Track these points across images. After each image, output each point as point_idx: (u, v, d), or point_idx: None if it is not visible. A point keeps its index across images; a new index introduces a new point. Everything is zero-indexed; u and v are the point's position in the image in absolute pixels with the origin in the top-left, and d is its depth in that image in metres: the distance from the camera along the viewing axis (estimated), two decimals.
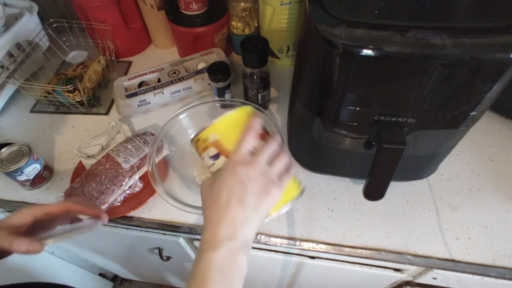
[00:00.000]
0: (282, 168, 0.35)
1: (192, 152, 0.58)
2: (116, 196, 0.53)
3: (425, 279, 0.58)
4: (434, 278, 0.56)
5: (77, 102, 0.67)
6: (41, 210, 0.39)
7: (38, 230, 0.40)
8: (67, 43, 0.77)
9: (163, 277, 1.10)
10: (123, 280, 1.32)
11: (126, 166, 0.53)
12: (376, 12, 0.34)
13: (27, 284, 0.56)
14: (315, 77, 0.39)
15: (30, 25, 0.71)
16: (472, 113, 0.38)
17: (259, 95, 0.62)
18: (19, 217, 0.38)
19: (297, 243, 0.51)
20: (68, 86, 0.63)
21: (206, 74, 0.66)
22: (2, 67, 0.66)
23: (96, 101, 0.71)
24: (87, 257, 0.97)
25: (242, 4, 0.65)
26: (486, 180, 0.55)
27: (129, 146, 0.56)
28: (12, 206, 0.58)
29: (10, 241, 0.36)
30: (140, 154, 0.55)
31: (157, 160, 0.53)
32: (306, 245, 0.50)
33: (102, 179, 0.53)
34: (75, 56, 0.78)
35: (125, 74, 0.77)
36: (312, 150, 0.52)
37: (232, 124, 0.37)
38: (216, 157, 0.36)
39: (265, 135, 0.37)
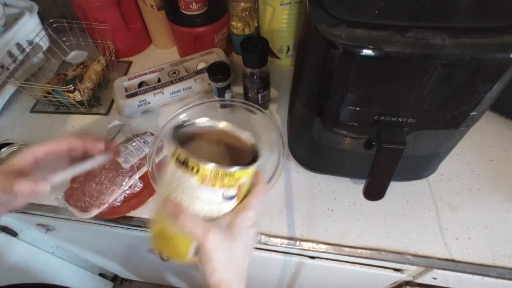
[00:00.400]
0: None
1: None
2: (116, 196, 0.53)
3: (425, 279, 0.58)
4: (434, 278, 0.56)
5: (77, 102, 0.67)
6: (42, 148, 0.36)
7: (43, 173, 0.36)
8: (67, 43, 0.77)
9: (163, 277, 1.10)
10: (123, 280, 1.32)
11: (126, 166, 0.53)
12: (376, 12, 0.34)
13: (28, 285, 0.56)
14: (315, 77, 0.39)
15: (30, 25, 0.71)
16: (472, 113, 0.38)
17: (259, 95, 0.62)
18: (19, 158, 0.35)
19: (297, 243, 0.51)
20: (68, 86, 0.63)
21: (206, 74, 0.66)
22: (2, 67, 0.66)
23: (96, 101, 0.71)
24: (87, 257, 0.98)
25: (242, 4, 0.65)
26: (486, 180, 0.55)
27: (129, 146, 0.56)
28: None
29: (11, 184, 0.32)
30: (140, 154, 0.55)
31: (157, 160, 0.53)
32: (306, 245, 0.50)
33: (102, 179, 0.53)
34: (75, 56, 0.78)
35: (125, 74, 0.77)
36: (312, 150, 0.52)
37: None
38: (229, 198, 0.33)
39: None
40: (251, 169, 0.33)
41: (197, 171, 0.30)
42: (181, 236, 0.32)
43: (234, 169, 0.31)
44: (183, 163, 0.30)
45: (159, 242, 0.35)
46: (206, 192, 0.31)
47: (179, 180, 0.31)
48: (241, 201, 0.34)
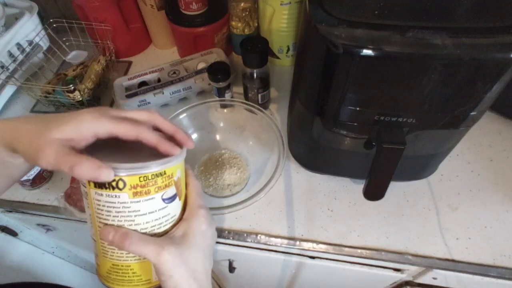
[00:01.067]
0: None
1: (192, 152, 0.58)
2: None
3: (425, 279, 0.58)
4: (434, 278, 0.56)
5: (77, 102, 0.67)
6: (105, 130, 0.28)
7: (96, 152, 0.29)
8: (67, 43, 0.77)
9: None
10: None
11: None
12: (376, 12, 0.34)
13: (29, 284, 0.56)
14: (315, 77, 0.39)
15: (30, 25, 0.70)
16: (472, 113, 0.38)
17: (259, 95, 0.62)
18: (76, 131, 0.27)
19: (297, 243, 0.51)
20: (68, 86, 0.63)
21: (206, 74, 0.66)
22: (2, 67, 0.66)
23: (96, 101, 0.71)
24: (87, 257, 0.97)
25: (242, 4, 0.65)
26: (486, 180, 0.55)
27: None
28: (12, 206, 0.58)
29: (71, 162, 0.25)
30: None
31: None
32: (306, 245, 0.50)
33: None
34: (75, 56, 0.78)
35: (125, 74, 0.77)
36: (312, 150, 0.52)
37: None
38: (171, 199, 0.30)
39: None
40: (181, 160, 0.31)
41: (124, 184, 0.27)
42: (137, 262, 0.30)
43: (166, 165, 0.28)
44: (104, 185, 0.27)
45: (116, 280, 0.31)
46: (143, 203, 0.28)
47: (107, 204, 0.28)
48: (185, 198, 0.32)
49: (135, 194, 0.27)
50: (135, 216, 0.28)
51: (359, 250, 0.50)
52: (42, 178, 0.58)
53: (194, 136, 0.60)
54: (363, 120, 0.41)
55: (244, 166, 0.58)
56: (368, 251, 0.49)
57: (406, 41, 0.32)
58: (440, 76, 0.33)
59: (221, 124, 0.62)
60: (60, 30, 0.76)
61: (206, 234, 0.32)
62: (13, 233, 0.77)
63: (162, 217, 0.30)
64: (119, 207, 0.27)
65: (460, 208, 0.53)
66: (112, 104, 0.70)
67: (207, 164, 0.58)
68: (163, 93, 0.65)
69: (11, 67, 0.67)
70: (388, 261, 0.49)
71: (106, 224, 0.28)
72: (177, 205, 0.31)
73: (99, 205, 0.28)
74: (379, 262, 0.53)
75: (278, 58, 0.74)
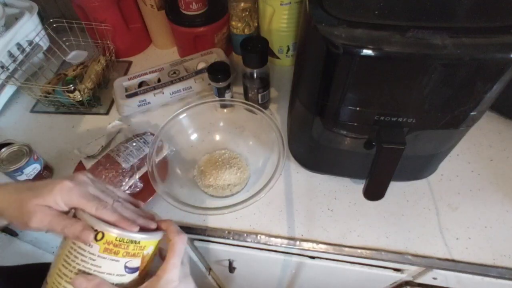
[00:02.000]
0: None
1: (192, 152, 0.58)
2: None
3: (425, 279, 0.58)
4: (434, 278, 0.56)
5: (77, 102, 0.67)
6: (77, 204, 0.32)
7: None
8: (67, 43, 0.77)
9: None
10: None
11: (126, 166, 0.53)
12: (376, 12, 0.34)
13: (37, 265, 0.57)
14: (315, 77, 0.39)
15: (30, 25, 0.70)
16: (472, 113, 0.38)
17: (259, 95, 0.62)
18: (52, 201, 0.31)
19: (297, 243, 0.51)
20: (68, 86, 0.63)
21: (206, 74, 0.66)
22: (2, 67, 0.66)
23: (96, 101, 0.71)
24: None
25: (242, 4, 0.65)
26: (486, 180, 0.55)
27: (129, 146, 0.56)
28: None
29: (62, 225, 0.30)
30: (140, 154, 0.55)
31: (157, 160, 0.53)
32: (306, 245, 0.50)
33: (102, 179, 0.52)
34: (75, 56, 0.78)
35: (125, 74, 0.77)
36: (312, 150, 0.52)
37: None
38: (132, 270, 0.31)
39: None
40: (157, 238, 0.33)
41: (102, 237, 0.29)
42: None
43: (142, 236, 0.31)
44: None
45: None
46: (107, 262, 0.29)
47: (79, 250, 0.29)
48: (142, 275, 0.32)
49: (105, 250, 0.29)
50: (94, 270, 0.29)
51: (359, 250, 0.50)
52: (42, 178, 0.58)
53: (194, 136, 0.60)
54: (363, 120, 0.41)
55: (244, 166, 0.58)
56: (368, 251, 0.49)
57: (406, 41, 0.32)
58: (440, 76, 0.33)
59: (221, 124, 0.62)
60: (60, 30, 0.76)
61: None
62: (13, 233, 0.77)
63: (116, 283, 0.30)
64: (86, 256, 0.29)
65: (460, 208, 0.53)
66: (112, 104, 0.70)
67: (207, 164, 0.58)
68: (163, 93, 0.65)
69: (11, 67, 0.67)
70: (388, 261, 0.49)
71: (66, 268, 0.30)
72: (133, 279, 0.32)
73: (72, 247, 0.30)
74: (379, 262, 0.53)
75: (278, 58, 0.74)
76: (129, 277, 0.31)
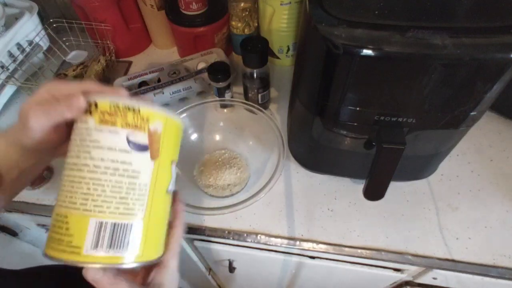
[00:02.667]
0: None
1: (192, 152, 0.58)
2: None
3: (425, 279, 0.58)
4: (434, 278, 0.56)
5: None
6: (57, 89, 0.30)
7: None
8: (67, 43, 0.77)
9: None
10: None
11: None
12: (376, 12, 0.34)
13: (40, 268, 0.57)
14: (315, 77, 0.39)
15: (30, 25, 0.70)
16: (472, 113, 0.38)
17: (259, 95, 0.62)
18: (39, 95, 0.29)
19: (297, 243, 0.51)
20: None
21: (206, 74, 0.66)
22: (2, 67, 0.66)
23: None
24: None
25: (242, 4, 0.65)
26: (486, 180, 0.55)
27: None
28: (12, 206, 0.58)
29: (53, 106, 0.27)
30: None
31: None
32: (306, 245, 0.50)
33: None
34: (75, 56, 0.78)
35: (125, 74, 0.77)
36: (312, 150, 0.52)
37: (179, 133, 0.31)
38: (139, 148, 0.26)
39: None
40: (164, 112, 0.28)
41: (96, 108, 0.26)
42: (75, 211, 0.26)
43: (141, 103, 0.27)
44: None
45: (49, 239, 0.27)
46: (105, 135, 0.26)
47: (78, 132, 0.27)
48: (160, 170, 0.27)
49: (101, 121, 0.26)
50: (92, 147, 0.26)
51: (359, 250, 0.50)
52: (42, 178, 0.58)
53: (194, 136, 0.60)
54: (363, 120, 0.41)
55: (244, 166, 0.58)
56: (368, 251, 0.49)
57: (406, 41, 0.32)
58: (440, 76, 0.33)
59: (221, 124, 0.62)
60: (60, 30, 0.76)
61: (175, 282, 0.31)
62: (13, 233, 0.77)
63: (121, 163, 0.26)
64: (83, 134, 0.26)
65: (460, 208, 0.53)
66: None
67: (207, 164, 0.58)
68: (163, 93, 0.65)
69: (11, 67, 0.67)
70: (388, 261, 0.49)
71: (69, 158, 0.27)
72: (146, 163, 0.26)
73: (72, 139, 0.27)
74: (379, 262, 0.53)
75: (278, 58, 0.74)
76: (137, 157, 0.26)
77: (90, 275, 0.25)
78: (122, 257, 0.25)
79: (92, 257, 0.24)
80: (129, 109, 0.26)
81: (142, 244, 0.26)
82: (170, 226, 0.32)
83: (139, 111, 0.26)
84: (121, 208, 0.25)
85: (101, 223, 0.25)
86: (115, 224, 0.25)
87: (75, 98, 0.26)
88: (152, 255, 0.28)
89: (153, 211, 0.27)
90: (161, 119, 0.28)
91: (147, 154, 0.26)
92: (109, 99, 0.26)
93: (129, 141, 0.26)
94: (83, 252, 0.24)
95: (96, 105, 0.26)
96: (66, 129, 0.30)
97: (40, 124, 0.27)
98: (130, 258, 0.26)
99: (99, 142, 0.26)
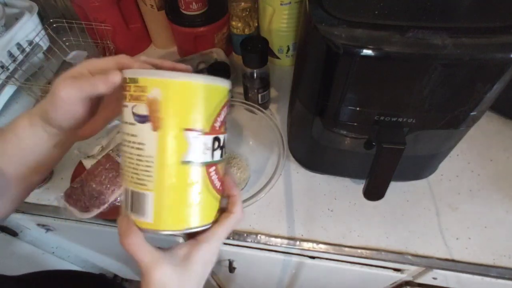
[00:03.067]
0: None
1: None
2: (116, 196, 0.53)
3: (425, 279, 0.58)
4: (434, 278, 0.56)
5: None
6: (93, 65, 0.30)
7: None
8: (67, 43, 0.77)
9: None
10: (123, 280, 1.32)
11: None
12: (376, 12, 0.34)
13: (40, 273, 0.57)
14: (315, 77, 0.39)
15: (30, 25, 0.70)
16: (472, 113, 0.38)
17: (259, 95, 0.62)
18: (75, 70, 0.30)
19: (297, 243, 0.51)
20: None
21: (206, 74, 0.66)
22: (2, 67, 0.66)
23: None
24: (87, 257, 0.97)
25: (242, 4, 0.65)
26: (486, 180, 0.55)
27: None
28: None
29: (90, 80, 0.28)
30: None
31: None
32: (306, 245, 0.50)
33: (102, 179, 0.52)
34: (75, 56, 0.78)
35: None
36: (312, 150, 0.52)
37: (195, 97, 0.27)
38: (141, 119, 0.26)
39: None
40: (162, 78, 0.26)
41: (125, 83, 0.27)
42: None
43: (137, 71, 0.26)
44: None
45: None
46: (123, 109, 0.27)
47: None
48: (166, 140, 0.26)
49: (121, 97, 0.27)
50: (122, 122, 0.28)
51: (359, 250, 0.50)
52: None
53: None
54: (363, 120, 0.41)
55: (244, 166, 0.58)
56: (368, 251, 0.49)
57: (406, 41, 0.32)
58: (440, 76, 0.33)
59: None
60: (60, 30, 0.76)
61: (209, 264, 0.30)
62: (13, 233, 0.77)
63: (131, 136, 0.26)
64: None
65: (460, 208, 0.53)
66: None
67: None
68: None
69: (11, 67, 0.67)
70: (388, 261, 0.49)
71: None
72: (148, 135, 0.26)
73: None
74: (379, 262, 0.53)
75: (278, 58, 0.74)
76: (141, 129, 0.26)
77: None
78: (140, 222, 0.27)
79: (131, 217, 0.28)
80: (132, 80, 0.26)
81: (155, 214, 0.27)
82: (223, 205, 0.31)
83: (138, 81, 0.26)
84: (135, 178, 0.27)
85: (126, 189, 0.28)
86: (132, 191, 0.27)
87: (112, 73, 0.27)
88: (167, 226, 0.27)
89: (165, 183, 0.27)
90: (158, 85, 0.26)
91: (148, 125, 0.26)
92: (125, 73, 0.27)
93: (133, 114, 0.26)
94: (128, 212, 0.28)
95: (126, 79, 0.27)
96: (91, 108, 0.31)
97: (70, 94, 0.28)
98: (145, 225, 0.27)
99: (122, 118, 0.27)
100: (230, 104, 0.27)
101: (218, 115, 0.28)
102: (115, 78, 0.27)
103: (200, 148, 0.27)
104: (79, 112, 0.30)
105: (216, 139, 0.28)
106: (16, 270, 0.78)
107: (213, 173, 0.28)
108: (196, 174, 0.27)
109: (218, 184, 0.29)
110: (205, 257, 0.29)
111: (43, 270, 0.58)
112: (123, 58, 0.30)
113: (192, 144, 0.27)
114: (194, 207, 0.28)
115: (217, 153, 0.28)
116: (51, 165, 0.35)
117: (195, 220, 0.28)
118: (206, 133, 0.27)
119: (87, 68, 0.30)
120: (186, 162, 0.27)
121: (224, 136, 0.29)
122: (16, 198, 0.34)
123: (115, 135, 0.64)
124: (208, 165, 0.28)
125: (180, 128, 0.26)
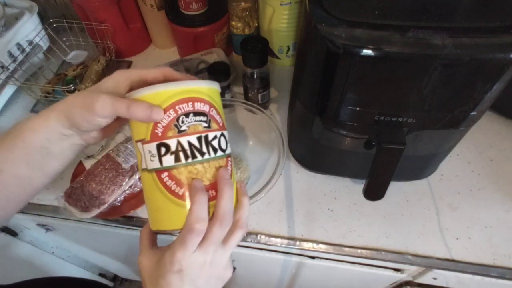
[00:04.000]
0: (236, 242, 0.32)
1: None
2: (116, 196, 0.53)
3: (425, 279, 0.58)
4: (434, 278, 0.56)
5: None
6: (137, 74, 0.32)
7: None
8: (67, 43, 0.77)
9: None
10: (123, 280, 1.32)
11: (126, 166, 0.53)
12: (376, 12, 0.34)
13: (33, 281, 0.56)
14: (315, 77, 0.39)
15: (30, 25, 0.70)
16: (472, 113, 0.38)
17: (259, 95, 0.62)
18: (113, 81, 0.31)
19: (297, 243, 0.51)
20: (68, 86, 0.63)
21: (206, 74, 0.66)
22: (2, 67, 0.66)
23: None
24: (87, 257, 0.98)
25: (242, 4, 0.65)
26: (486, 180, 0.55)
27: (129, 146, 0.56)
28: None
29: (126, 103, 0.28)
30: None
31: None
32: (306, 245, 0.50)
33: (102, 179, 0.52)
34: (75, 56, 0.78)
35: None
36: (312, 150, 0.52)
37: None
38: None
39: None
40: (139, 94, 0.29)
41: None
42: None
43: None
44: None
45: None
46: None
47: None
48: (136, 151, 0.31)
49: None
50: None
51: (359, 250, 0.50)
52: None
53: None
54: (363, 120, 0.41)
55: (244, 166, 0.58)
56: (368, 251, 0.49)
57: (406, 41, 0.32)
58: (440, 76, 0.33)
59: None
60: (60, 30, 0.76)
61: (206, 263, 0.32)
62: (13, 233, 0.77)
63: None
64: None
65: (460, 208, 0.53)
66: None
67: None
68: None
69: (11, 67, 0.67)
70: (388, 261, 0.49)
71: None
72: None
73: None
74: (379, 262, 0.53)
75: (278, 58, 0.74)
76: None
77: None
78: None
79: None
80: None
81: (149, 215, 0.32)
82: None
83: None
84: None
85: None
86: None
87: (156, 109, 0.28)
88: (152, 226, 0.31)
89: (144, 188, 0.31)
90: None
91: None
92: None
93: None
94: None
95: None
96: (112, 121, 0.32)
97: (105, 111, 0.29)
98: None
99: None
100: (195, 107, 0.29)
101: (158, 121, 0.29)
102: (159, 116, 0.28)
103: (147, 156, 0.29)
104: (102, 123, 0.31)
105: (162, 145, 0.28)
106: (15, 271, 0.78)
107: (166, 179, 0.28)
108: (149, 180, 0.29)
109: (178, 189, 0.29)
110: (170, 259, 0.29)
111: (37, 278, 0.57)
112: (167, 71, 0.32)
113: (142, 153, 0.29)
114: (159, 211, 0.30)
115: (168, 158, 0.28)
116: (60, 167, 0.36)
117: (161, 223, 0.30)
118: (147, 142, 0.29)
119: (131, 79, 0.31)
120: (143, 170, 0.29)
121: (177, 140, 0.28)
122: (21, 201, 0.34)
123: (116, 135, 0.64)
124: (158, 171, 0.28)
125: (134, 140, 0.30)
